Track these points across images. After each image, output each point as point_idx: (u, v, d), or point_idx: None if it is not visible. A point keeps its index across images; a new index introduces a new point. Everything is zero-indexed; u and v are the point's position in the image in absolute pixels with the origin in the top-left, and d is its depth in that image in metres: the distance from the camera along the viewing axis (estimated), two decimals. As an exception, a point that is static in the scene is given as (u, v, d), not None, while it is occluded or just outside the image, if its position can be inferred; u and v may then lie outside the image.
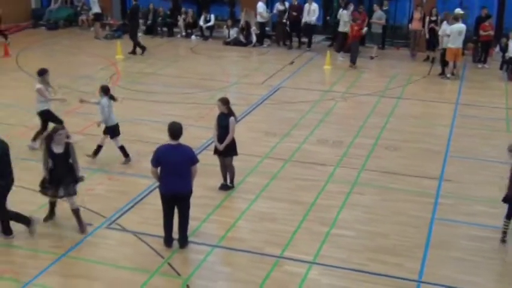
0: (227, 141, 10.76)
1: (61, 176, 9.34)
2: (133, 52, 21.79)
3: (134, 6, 22.35)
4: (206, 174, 11.31)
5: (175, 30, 25.30)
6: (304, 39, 23.21)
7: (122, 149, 12.20)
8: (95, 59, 21.11)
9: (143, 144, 12.87)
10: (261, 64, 21.16)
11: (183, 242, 9.25)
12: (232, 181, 11.23)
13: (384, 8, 21.98)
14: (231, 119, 10.70)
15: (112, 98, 12.12)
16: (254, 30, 23.56)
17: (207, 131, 13.53)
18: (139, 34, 24.83)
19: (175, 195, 9.01)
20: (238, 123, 12.41)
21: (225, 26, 24.21)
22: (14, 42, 22.62)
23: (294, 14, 22.79)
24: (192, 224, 9.60)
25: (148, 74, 19.29)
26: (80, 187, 9.97)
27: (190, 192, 9.12)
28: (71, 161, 9.41)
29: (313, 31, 23.08)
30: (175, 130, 8.91)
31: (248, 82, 18.60)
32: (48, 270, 8.62)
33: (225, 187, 11.17)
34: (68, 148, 9.36)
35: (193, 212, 9.61)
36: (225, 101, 10.77)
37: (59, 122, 12.41)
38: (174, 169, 8.87)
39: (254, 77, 19.24)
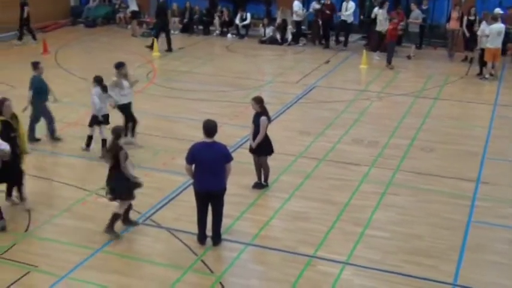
0: (258, 139, 10.78)
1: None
2: (170, 49, 21.96)
3: (161, 3, 22.54)
4: (240, 172, 11.34)
5: (211, 28, 25.41)
6: (340, 38, 23.13)
7: (104, 141, 12.30)
8: (132, 57, 21.29)
9: (178, 142, 12.96)
10: (297, 63, 21.12)
11: (217, 239, 9.30)
12: (266, 180, 11.24)
13: (424, 7, 21.72)
14: (262, 118, 10.71)
15: (104, 89, 12.38)
16: (290, 29, 23.53)
17: (241, 130, 13.59)
18: (176, 32, 25.09)
19: (209, 192, 9.06)
20: (273, 122, 12.42)
21: (261, 25, 24.23)
22: (52, 40, 23.01)
23: (327, 12, 22.67)
24: (225, 222, 9.64)
25: (184, 72, 19.41)
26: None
27: (224, 189, 9.16)
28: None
29: (349, 30, 22.96)
30: (210, 128, 8.96)
31: (283, 81, 18.59)
32: (83, 264, 8.74)
33: (259, 185, 11.19)
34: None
35: (227, 209, 9.64)
36: (258, 100, 10.80)
37: (132, 120, 12.72)
38: (208, 167, 8.92)
39: (289, 75, 19.22)
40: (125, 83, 12.68)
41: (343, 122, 14.82)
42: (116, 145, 9.30)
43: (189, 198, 10.00)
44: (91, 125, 12.47)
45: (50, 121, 13.06)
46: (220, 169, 8.99)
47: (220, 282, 8.38)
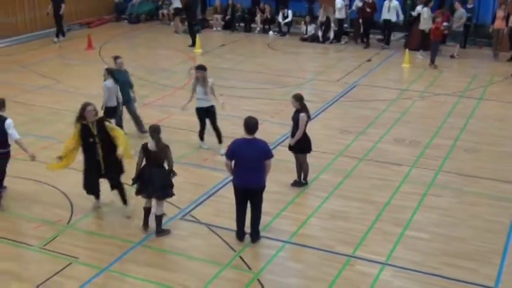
0: (296, 137, 10.76)
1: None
2: (193, 45, 22.16)
3: (190, 0, 22.69)
4: (280, 170, 11.34)
5: (252, 25, 25.45)
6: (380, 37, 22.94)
7: None
8: (174, 53, 21.51)
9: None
10: (338, 61, 21.00)
11: (255, 236, 9.31)
12: (305, 178, 11.21)
13: (469, 6, 21.34)
14: (301, 115, 10.67)
15: (116, 80, 12.60)
16: (333, 27, 23.39)
17: (281, 127, 13.58)
18: (218, 29, 25.23)
19: (248, 189, 9.07)
20: (313, 121, 12.38)
21: (302, 22, 24.16)
22: (97, 35, 23.35)
23: (368, 10, 22.43)
24: (264, 219, 9.65)
25: (225, 69, 19.49)
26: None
27: (263, 187, 9.17)
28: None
29: (392, 28, 22.71)
30: (251, 125, 8.97)
31: (324, 79, 18.50)
32: (123, 257, 8.86)
33: (298, 184, 11.16)
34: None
35: (265, 207, 9.65)
36: (298, 98, 10.77)
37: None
38: (248, 163, 8.94)
39: (330, 74, 19.12)
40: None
41: (385, 121, 14.68)
42: (163, 143, 9.35)
43: (229, 195, 10.05)
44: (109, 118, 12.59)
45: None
46: (259, 166, 9.00)
47: (258, 280, 8.39)
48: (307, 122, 10.76)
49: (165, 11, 26.88)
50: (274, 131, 13.63)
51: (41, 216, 10.01)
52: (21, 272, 8.55)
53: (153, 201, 9.47)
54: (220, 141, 12.51)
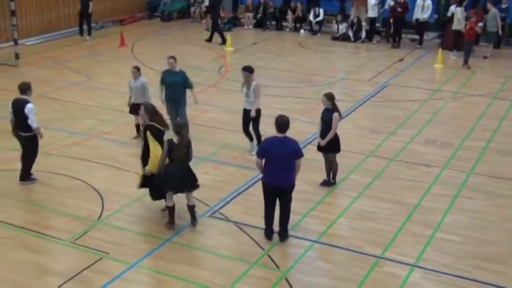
0: (329, 137, 10.71)
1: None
2: (210, 40, 22.52)
3: None
4: (309, 170, 11.32)
5: (284, 24, 25.41)
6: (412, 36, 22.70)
7: (138, 126, 12.66)
8: (205, 51, 21.59)
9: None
10: (369, 60, 20.86)
11: (284, 235, 9.31)
12: (334, 177, 11.16)
13: (503, 6, 21.01)
14: (335, 114, 10.63)
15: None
16: (364, 26, 23.24)
17: (311, 126, 13.53)
18: (249, 27, 25.26)
19: (278, 187, 9.07)
20: (343, 120, 12.34)
21: (334, 21, 24.04)
22: (129, 33, 23.55)
23: (399, 10, 22.17)
24: (293, 218, 9.65)
25: (256, 67, 19.20)
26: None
27: (293, 185, 9.16)
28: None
29: (424, 28, 22.45)
30: (282, 123, 8.97)
31: (355, 78, 18.40)
32: (153, 254, 8.93)
33: (327, 183, 11.12)
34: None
35: (294, 206, 9.64)
36: (329, 96, 10.72)
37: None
38: (278, 162, 8.93)
39: (361, 73, 19.01)
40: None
41: (416, 121, 14.54)
42: (188, 138, 9.43)
43: (258, 193, 10.06)
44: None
45: None
46: (290, 165, 8.99)
47: (286, 278, 8.39)
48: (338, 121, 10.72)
49: (196, 9, 26.99)
50: (305, 129, 13.60)
51: (72, 211, 10.13)
52: (52, 265, 8.68)
53: (175, 195, 9.55)
54: (252, 140, 12.43)
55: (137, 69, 12.87)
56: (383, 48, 22.35)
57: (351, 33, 23.32)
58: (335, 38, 23.54)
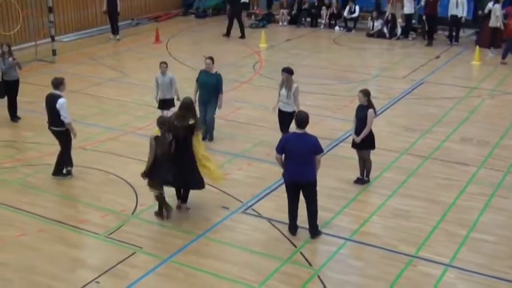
0: (364, 133, 10.63)
1: None
2: (243, 36, 22.88)
3: None
4: (342, 167, 11.27)
5: (319, 20, 25.29)
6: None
7: None
8: (239, 48, 21.61)
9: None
10: (404, 57, 20.64)
11: (314, 232, 9.28)
12: (368, 175, 11.08)
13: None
14: (370, 111, 10.56)
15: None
16: (400, 22, 23.00)
17: (344, 123, 13.47)
18: (284, 24, 25.23)
19: (297, 183, 9.07)
20: (378, 117, 12.22)
21: (369, 18, 23.85)
22: (164, 29, 23.71)
23: (430, 4, 21.72)
24: (325, 216, 9.63)
25: (290, 64, 19.31)
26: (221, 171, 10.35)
27: (314, 181, 9.11)
28: None
29: (460, 25, 22.07)
30: (301, 119, 8.99)
31: (390, 75, 18.23)
32: (186, 249, 8.99)
33: (361, 181, 11.05)
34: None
35: (327, 203, 9.61)
36: (365, 93, 10.66)
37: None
38: (297, 157, 8.94)
39: (396, 70, 18.83)
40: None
41: (451, 119, 14.35)
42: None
43: (290, 190, 10.03)
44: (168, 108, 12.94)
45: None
46: (310, 160, 8.97)
47: (318, 276, 8.37)
48: (373, 118, 10.64)
49: (231, 6, 27.03)
50: (337, 127, 13.54)
51: (107, 205, 10.26)
52: (87, 259, 8.81)
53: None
54: None
55: (166, 64, 13.00)
56: (419, 45, 22.08)
57: (386, 30, 23.11)
58: (370, 35, 23.35)
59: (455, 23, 21.91)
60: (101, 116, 14.39)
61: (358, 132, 10.75)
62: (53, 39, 19.49)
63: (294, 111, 11.89)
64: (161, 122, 9.55)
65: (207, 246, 9.10)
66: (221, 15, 27.22)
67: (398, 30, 22.95)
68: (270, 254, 8.89)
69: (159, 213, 9.83)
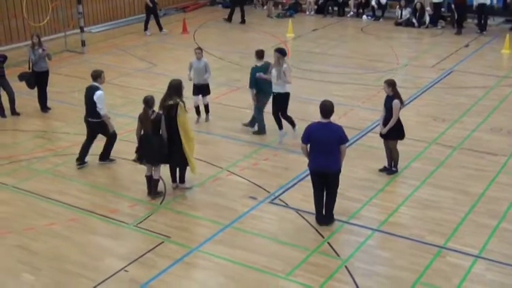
0: (390, 124, 10.57)
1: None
2: (243, 21, 23.34)
3: None
4: (370, 157, 11.22)
5: (346, 9, 25.11)
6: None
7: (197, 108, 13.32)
8: (266, 37, 21.56)
9: (308, 123, 12.92)
10: (433, 46, 20.40)
11: (329, 219, 9.33)
12: (396, 165, 11.01)
13: None
14: (395, 101, 10.48)
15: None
16: (428, 11, 22.72)
17: (372, 113, 13.39)
18: (311, 13, 25.11)
19: (323, 172, 9.09)
20: (406, 107, 12.14)
21: (397, 6, 23.59)
22: (192, 19, 23.78)
23: None
24: (353, 206, 9.62)
25: (317, 53, 19.37)
26: (248, 161, 10.36)
27: (338, 171, 9.12)
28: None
29: (487, 12, 21.67)
30: (326, 108, 9.00)
31: (418, 65, 18.05)
32: (214, 238, 9.04)
33: (388, 171, 10.98)
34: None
35: (355, 193, 9.56)
36: (390, 83, 10.58)
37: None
38: (322, 147, 8.97)
39: (425, 59, 18.63)
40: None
41: (481, 109, 14.17)
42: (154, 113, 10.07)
43: (317, 180, 10.00)
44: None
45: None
46: (334, 150, 8.99)
47: (346, 266, 8.35)
48: (400, 108, 10.55)
49: (258, -5, 26.98)
50: (366, 116, 13.47)
51: (135, 195, 10.36)
52: (116, 248, 8.90)
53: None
54: (281, 128, 12.35)
55: (201, 50, 13.08)
56: (448, 34, 21.80)
57: (414, 19, 22.85)
58: (398, 24, 23.12)
59: (483, 11, 21.55)
60: (130, 106, 14.49)
61: (385, 122, 10.69)
62: (82, 30, 19.66)
63: (287, 93, 12.05)
64: (145, 101, 10.01)
65: (234, 236, 9.14)
66: (248, 4, 27.19)
67: (427, 19, 22.68)
68: (298, 244, 8.90)
69: (148, 193, 10.21)
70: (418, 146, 12.05)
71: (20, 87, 14.22)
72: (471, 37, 21.10)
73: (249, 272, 8.29)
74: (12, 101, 13.87)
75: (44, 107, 14.21)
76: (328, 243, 8.90)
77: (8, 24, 19.66)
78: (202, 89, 13.14)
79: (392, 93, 10.56)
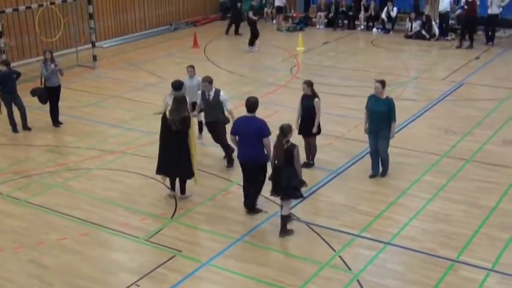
0: (317, 122, 11.30)
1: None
2: (237, 32, 23.97)
3: None
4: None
5: (356, 22, 25.15)
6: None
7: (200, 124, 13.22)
8: (276, 51, 21.63)
9: (319, 136, 12.89)
10: (443, 58, 20.37)
11: (250, 209, 10.00)
12: (313, 159, 11.68)
13: None
14: (316, 100, 11.21)
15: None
16: (436, 23, 22.68)
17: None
18: (321, 26, 25.13)
19: (247, 163, 9.79)
20: (417, 120, 12.10)
21: (407, 19, 23.60)
22: (202, 34, 23.87)
23: (465, 7, 21.31)
24: (365, 220, 9.59)
25: (327, 66, 19.39)
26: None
27: (261, 163, 9.73)
28: None
29: (496, 24, 21.58)
30: (250, 104, 9.75)
31: (429, 77, 18.01)
32: (225, 253, 9.02)
33: (307, 165, 11.47)
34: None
35: (366, 207, 9.51)
36: (310, 83, 11.32)
37: None
38: (247, 139, 9.66)
39: (435, 71, 18.60)
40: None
41: (493, 121, 14.10)
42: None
43: (329, 194, 10.03)
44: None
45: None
46: (258, 143, 9.59)
47: (358, 280, 8.31)
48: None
49: (268, 10, 27.08)
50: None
51: (146, 209, 10.37)
52: (128, 262, 8.90)
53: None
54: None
55: (193, 67, 13.08)
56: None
57: (424, 31, 22.83)
58: (408, 36, 23.11)
59: (493, 22, 21.45)
60: (141, 121, 14.54)
61: (304, 121, 11.38)
62: (93, 45, 19.80)
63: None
64: (281, 128, 9.46)
65: (245, 250, 9.12)
66: (259, 19, 27.26)
67: (436, 31, 22.65)
68: (309, 257, 8.87)
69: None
70: (430, 159, 12.00)
71: (31, 102, 14.32)
72: (481, 49, 21.05)
73: (260, 286, 8.26)
74: (23, 116, 13.97)
75: (56, 122, 14.29)
76: (340, 256, 8.85)
77: (21, 39, 19.82)
78: (195, 107, 12.95)
79: (312, 93, 11.28)
